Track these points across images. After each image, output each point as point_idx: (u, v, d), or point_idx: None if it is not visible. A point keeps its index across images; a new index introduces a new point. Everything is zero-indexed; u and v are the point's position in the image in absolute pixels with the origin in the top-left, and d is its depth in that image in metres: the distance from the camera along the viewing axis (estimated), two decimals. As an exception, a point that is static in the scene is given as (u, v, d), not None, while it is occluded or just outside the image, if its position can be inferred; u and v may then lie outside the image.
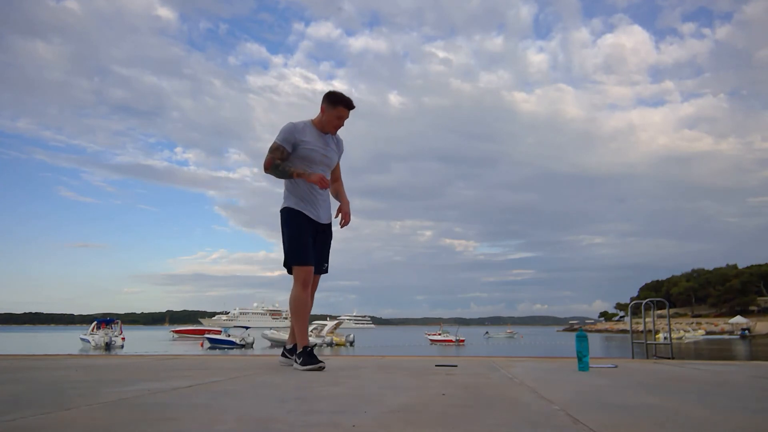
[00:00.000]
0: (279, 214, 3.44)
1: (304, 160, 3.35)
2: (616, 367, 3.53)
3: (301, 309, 3.28)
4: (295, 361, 3.25)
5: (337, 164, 3.57)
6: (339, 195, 3.59)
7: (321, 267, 3.50)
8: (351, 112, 3.43)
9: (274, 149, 3.33)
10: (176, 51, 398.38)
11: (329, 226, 3.52)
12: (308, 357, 3.18)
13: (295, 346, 3.38)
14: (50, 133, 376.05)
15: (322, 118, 3.42)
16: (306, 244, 3.33)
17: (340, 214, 3.52)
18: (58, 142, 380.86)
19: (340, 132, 3.52)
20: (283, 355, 3.54)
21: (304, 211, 3.36)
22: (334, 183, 3.58)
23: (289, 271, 3.34)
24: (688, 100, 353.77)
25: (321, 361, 3.16)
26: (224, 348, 34.44)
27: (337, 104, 3.38)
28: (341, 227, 3.53)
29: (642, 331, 8.38)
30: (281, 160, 3.32)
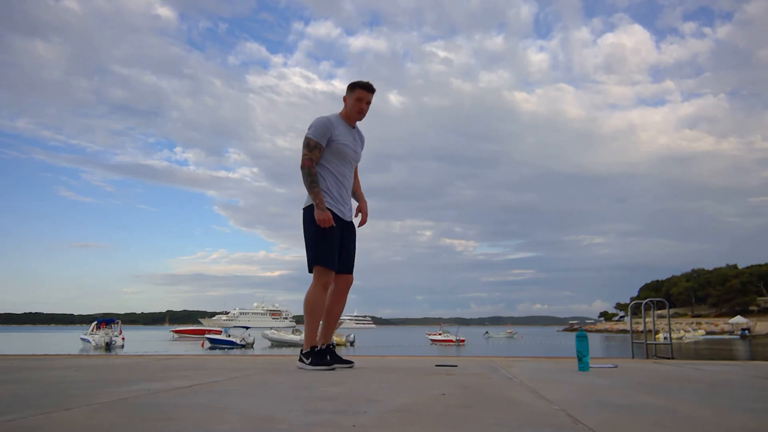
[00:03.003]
0: (302, 212, 3.28)
1: (337, 156, 3.28)
2: (616, 367, 3.53)
3: (317, 310, 3.22)
4: (303, 361, 3.19)
5: None
6: (357, 194, 3.54)
7: (353, 265, 3.40)
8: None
9: (313, 147, 3.20)
10: (176, 50, 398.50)
11: (352, 223, 3.45)
12: (317, 357, 3.16)
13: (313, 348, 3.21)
14: (49, 132, 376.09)
15: (345, 109, 3.37)
16: (332, 245, 3.20)
17: (359, 213, 3.48)
18: (57, 141, 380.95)
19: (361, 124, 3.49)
20: (300, 360, 3.29)
21: (332, 209, 3.23)
22: (353, 180, 3.52)
23: (311, 271, 3.23)
24: (689, 100, 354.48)
25: (332, 363, 3.13)
26: (224, 348, 34.42)
27: (354, 87, 3.35)
28: (359, 226, 3.48)
29: (642, 331, 8.37)
30: (317, 162, 3.23)
